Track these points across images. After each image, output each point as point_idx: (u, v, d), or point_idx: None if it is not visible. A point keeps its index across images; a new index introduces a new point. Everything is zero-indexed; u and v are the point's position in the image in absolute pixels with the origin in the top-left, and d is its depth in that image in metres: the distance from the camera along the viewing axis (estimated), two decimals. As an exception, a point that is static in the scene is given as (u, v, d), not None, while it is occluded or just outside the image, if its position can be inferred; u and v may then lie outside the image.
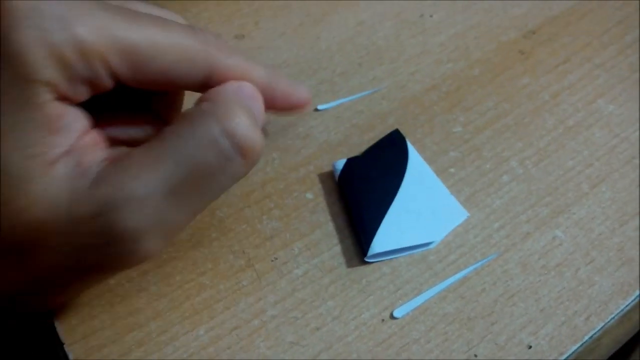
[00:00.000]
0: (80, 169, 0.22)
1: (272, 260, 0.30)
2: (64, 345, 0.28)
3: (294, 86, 0.30)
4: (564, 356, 0.26)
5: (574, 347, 0.26)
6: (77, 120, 0.22)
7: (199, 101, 0.25)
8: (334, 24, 0.42)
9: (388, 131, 0.35)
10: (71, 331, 0.28)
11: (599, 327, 0.27)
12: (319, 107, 0.37)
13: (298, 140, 0.36)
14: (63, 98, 0.21)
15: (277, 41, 0.41)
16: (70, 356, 0.27)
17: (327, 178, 0.34)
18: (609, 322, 0.27)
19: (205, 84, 0.25)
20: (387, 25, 0.42)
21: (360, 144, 0.35)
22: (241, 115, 0.23)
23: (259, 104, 0.27)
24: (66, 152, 0.22)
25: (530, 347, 0.27)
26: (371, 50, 0.40)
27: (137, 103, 0.27)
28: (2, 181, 0.20)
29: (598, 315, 0.27)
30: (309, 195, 0.33)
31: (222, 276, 0.30)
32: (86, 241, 0.22)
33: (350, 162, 0.33)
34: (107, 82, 0.22)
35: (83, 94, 0.22)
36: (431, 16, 0.42)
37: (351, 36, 0.41)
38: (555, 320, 0.27)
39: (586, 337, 0.27)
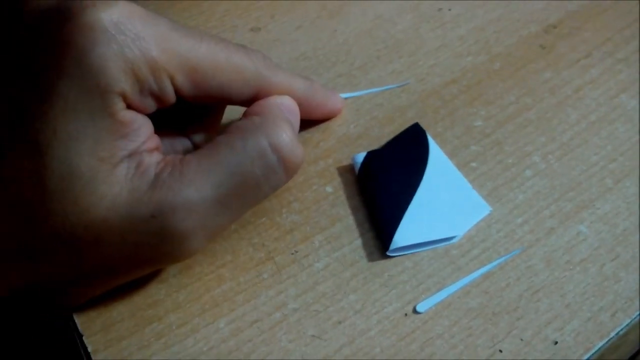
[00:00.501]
0: (140, 170, 0.23)
1: (292, 254, 0.30)
2: (83, 337, 0.27)
3: (328, 96, 0.34)
4: (590, 352, 0.26)
5: (600, 343, 0.26)
6: (143, 127, 0.24)
7: (247, 114, 0.27)
8: (351, 17, 0.41)
9: (407, 125, 0.35)
10: (90, 323, 0.28)
11: (625, 324, 0.27)
12: (341, 95, 0.36)
13: (317, 133, 0.35)
14: (133, 108, 0.23)
15: (294, 34, 0.41)
16: (90, 348, 0.27)
17: (346, 171, 0.33)
18: (635, 318, 0.27)
19: (252, 99, 0.28)
20: (406, 18, 0.41)
21: (379, 137, 0.35)
22: (286, 129, 0.26)
23: (297, 117, 0.29)
24: (129, 154, 0.23)
25: (556, 342, 0.26)
26: (389, 44, 0.40)
27: (186, 113, 0.29)
28: (74, 181, 0.22)
29: (624, 311, 0.27)
30: (329, 189, 0.33)
31: (242, 269, 0.29)
32: (141, 239, 0.23)
33: (370, 155, 0.33)
34: (172, 97, 0.25)
35: (151, 106, 0.24)
36: (449, 10, 0.42)
37: (369, 29, 0.41)
38: (580, 316, 0.27)
39: (612, 334, 0.26)
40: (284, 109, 0.27)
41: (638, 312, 0.27)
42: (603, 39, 0.39)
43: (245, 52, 0.27)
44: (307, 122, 0.36)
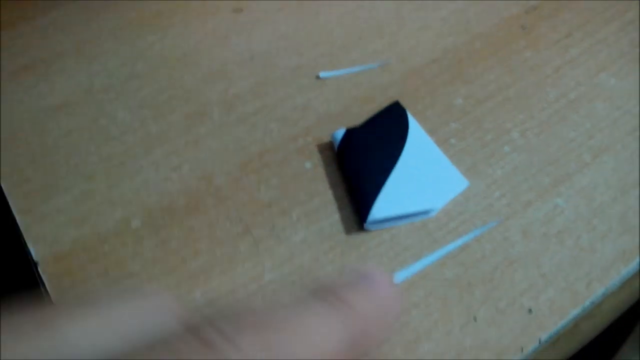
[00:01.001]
0: None
1: (270, 227, 0.30)
2: (57, 309, 0.27)
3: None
4: (565, 320, 0.26)
5: (575, 312, 0.26)
6: None
7: None
8: (334, -1, 0.41)
9: (388, 103, 0.35)
10: (63, 294, 0.28)
11: (600, 293, 0.27)
12: (321, 74, 0.36)
13: (297, 112, 0.35)
14: None
15: (276, 15, 0.41)
16: (63, 320, 0.27)
17: (326, 148, 0.33)
18: (610, 287, 0.27)
19: None
20: (387, 0, 0.41)
21: (360, 116, 0.35)
22: None
23: None
24: None
25: (530, 311, 0.26)
26: (371, 25, 0.40)
27: None
28: None
29: (599, 280, 0.27)
30: (308, 165, 0.33)
31: (219, 242, 0.29)
32: None
33: (350, 132, 0.33)
34: None
35: None
36: (432, -8, 0.42)
37: (350, 10, 0.41)
38: (556, 286, 0.27)
39: (587, 302, 0.26)
40: None
41: (613, 282, 0.27)
42: (583, 20, 0.39)
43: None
44: (287, 101, 0.36)
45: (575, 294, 0.27)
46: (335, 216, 0.30)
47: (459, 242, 0.29)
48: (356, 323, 0.15)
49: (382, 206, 0.29)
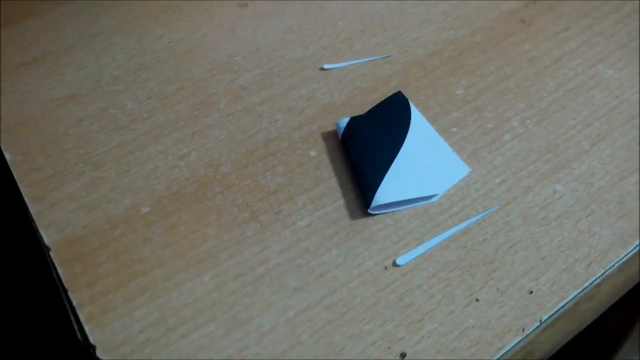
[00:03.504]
0: None
1: (276, 213, 0.31)
2: (69, 292, 0.28)
3: None
4: (565, 300, 0.26)
5: (575, 292, 0.27)
6: None
7: None
8: (337, -6, 0.42)
9: (390, 94, 0.35)
10: (75, 279, 0.28)
11: (599, 274, 0.27)
12: (325, 66, 0.37)
13: (301, 102, 0.36)
14: None
15: (281, 9, 0.41)
16: (75, 302, 0.27)
17: (330, 136, 0.34)
18: (608, 269, 0.28)
19: None
20: (390, -6, 0.42)
21: (363, 105, 0.35)
22: None
23: None
24: None
25: (531, 292, 0.27)
26: (374, 18, 0.41)
27: None
28: None
29: (598, 263, 0.28)
30: (313, 153, 0.33)
31: (226, 227, 0.30)
32: None
33: (354, 120, 0.34)
34: None
35: None
36: (433, -13, 0.43)
37: (354, 4, 0.41)
38: (556, 268, 0.28)
39: (586, 283, 0.27)
40: None
41: (612, 264, 0.28)
42: (582, 14, 0.40)
43: None
44: (291, 92, 0.36)
45: (575, 276, 0.27)
46: (340, 202, 0.31)
47: (460, 226, 0.29)
48: None
49: (386, 192, 0.30)
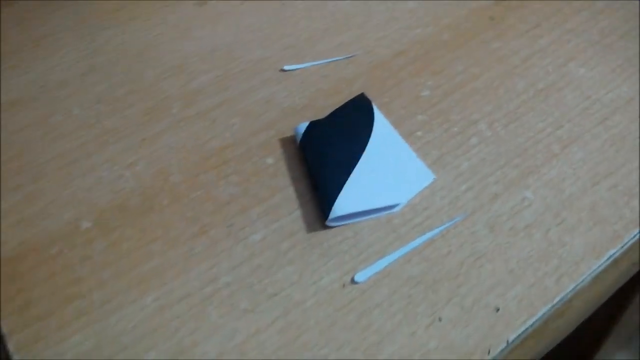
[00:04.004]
0: None
1: (228, 226, 0.28)
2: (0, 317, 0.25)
3: None
4: (534, 318, 0.25)
5: (544, 309, 0.25)
6: None
7: None
8: (300, -9, 0.40)
9: (354, 96, 0.33)
10: (8, 302, 0.26)
11: (570, 288, 0.26)
12: (286, 67, 0.35)
13: (260, 105, 0.34)
14: None
15: (240, 7, 0.39)
16: (4, 329, 0.25)
17: (288, 143, 0.32)
18: (580, 282, 0.26)
19: None
20: (355, -9, 0.40)
21: (325, 108, 0.33)
22: None
23: None
24: None
25: (498, 309, 0.25)
26: (338, 17, 0.39)
27: None
28: None
29: (569, 275, 0.26)
30: (270, 160, 0.31)
31: (173, 243, 0.28)
32: None
33: (313, 125, 0.32)
34: None
35: None
36: (400, -17, 0.41)
37: (317, 2, 0.39)
38: (524, 282, 0.26)
39: (557, 299, 0.25)
40: None
41: (584, 277, 0.26)
42: (553, 10, 0.39)
43: None
44: (249, 95, 0.34)
45: (545, 290, 0.26)
46: (297, 213, 0.29)
47: (424, 237, 0.27)
48: None
49: (345, 202, 0.28)
